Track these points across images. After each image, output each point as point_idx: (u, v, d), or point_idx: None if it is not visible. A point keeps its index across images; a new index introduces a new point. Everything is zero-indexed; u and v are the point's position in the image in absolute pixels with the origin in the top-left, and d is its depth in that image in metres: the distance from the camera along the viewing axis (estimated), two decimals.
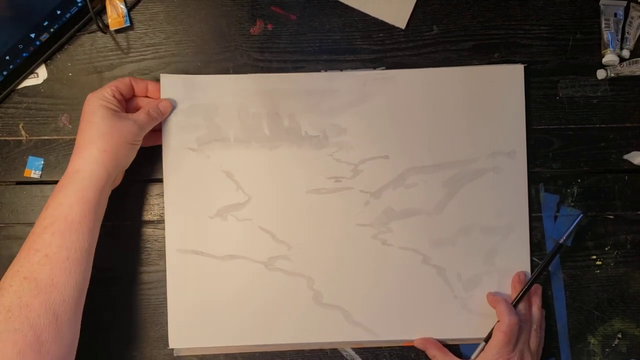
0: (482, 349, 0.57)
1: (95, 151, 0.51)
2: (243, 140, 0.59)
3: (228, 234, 0.59)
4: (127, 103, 0.57)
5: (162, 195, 0.59)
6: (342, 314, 0.59)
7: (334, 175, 0.60)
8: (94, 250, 0.52)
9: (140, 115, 0.55)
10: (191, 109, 0.59)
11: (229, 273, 0.59)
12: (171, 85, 0.59)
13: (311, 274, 0.59)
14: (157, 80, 0.59)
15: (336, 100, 0.60)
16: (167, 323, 0.58)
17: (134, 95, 0.58)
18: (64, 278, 0.48)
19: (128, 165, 0.56)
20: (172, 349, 0.59)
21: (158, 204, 0.60)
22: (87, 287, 0.51)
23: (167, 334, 0.58)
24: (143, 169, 0.60)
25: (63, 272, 0.48)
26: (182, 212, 0.59)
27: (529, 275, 0.59)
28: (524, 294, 0.57)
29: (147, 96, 0.58)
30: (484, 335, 0.58)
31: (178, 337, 0.58)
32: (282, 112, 0.60)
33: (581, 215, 0.58)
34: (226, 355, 0.60)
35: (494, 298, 0.58)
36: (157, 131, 0.59)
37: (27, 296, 0.46)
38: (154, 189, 0.60)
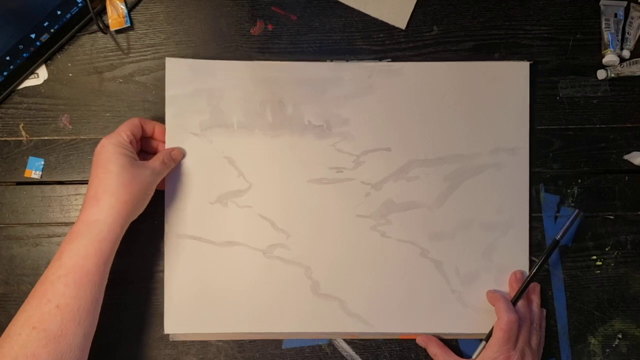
0: (483, 348, 0.56)
1: (115, 202, 0.51)
2: (246, 126, 0.59)
3: (228, 220, 0.59)
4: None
5: (162, 195, 0.59)
6: (339, 304, 0.59)
7: (336, 165, 0.60)
8: (103, 296, 0.52)
9: (156, 164, 0.54)
10: (195, 93, 0.59)
11: (228, 260, 0.59)
12: (176, 68, 0.59)
13: (309, 263, 0.59)
14: (161, 73, 0.59)
15: (340, 91, 0.60)
16: None
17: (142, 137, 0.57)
18: (73, 329, 0.48)
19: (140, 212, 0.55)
20: (169, 335, 0.59)
21: (158, 204, 0.60)
22: (93, 332, 0.51)
23: (167, 334, 0.58)
24: None
25: (73, 323, 0.48)
26: (183, 197, 0.59)
27: (527, 273, 0.59)
28: (523, 291, 0.57)
29: (152, 137, 0.58)
30: (481, 330, 0.58)
31: (174, 323, 0.58)
32: (286, 101, 0.60)
33: (576, 211, 0.58)
34: (224, 354, 0.60)
35: (493, 296, 0.58)
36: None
37: (35, 346, 0.47)
38: (156, 191, 0.60)
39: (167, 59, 0.59)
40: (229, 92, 0.59)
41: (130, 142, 0.54)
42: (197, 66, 0.59)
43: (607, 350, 0.61)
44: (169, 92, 0.59)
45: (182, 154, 0.58)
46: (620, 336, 0.61)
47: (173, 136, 0.59)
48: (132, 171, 0.52)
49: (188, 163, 0.59)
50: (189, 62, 0.59)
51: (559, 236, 0.58)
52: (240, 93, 0.59)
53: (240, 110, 0.59)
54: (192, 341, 0.59)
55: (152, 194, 0.55)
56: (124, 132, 0.54)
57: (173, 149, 0.58)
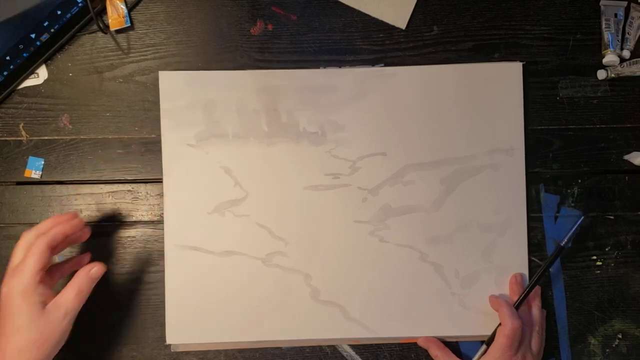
0: (484, 352, 0.56)
1: None
2: (241, 136, 0.59)
3: (226, 229, 0.59)
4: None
5: (162, 195, 0.59)
6: (340, 310, 0.59)
7: (332, 171, 0.60)
8: None
9: (69, 298, 0.49)
10: (190, 105, 0.59)
11: (227, 269, 0.59)
12: (170, 81, 0.59)
13: (309, 270, 0.59)
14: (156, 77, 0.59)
15: (335, 97, 0.60)
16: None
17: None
18: None
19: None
20: (171, 346, 0.59)
21: (158, 204, 0.60)
22: None
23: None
24: (143, 169, 0.60)
25: None
26: (181, 208, 0.59)
27: (526, 275, 0.59)
28: (525, 297, 0.57)
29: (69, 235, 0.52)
30: (482, 332, 0.58)
31: (175, 333, 0.58)
32: (281, 108, 0.60)
33: (582, 217, 0.58)
34: (225, 354, 0.60)
35: (496, 301, 0.58)
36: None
37: None
38: (154, 189, 0.60)
39: (160, 72, 0.59)
40: (223, 102, 0.59)
41: (40, 281, 0.49)
42: (190, 78, 0.59)
43: (607, 350, 0.61)
44: (163, 105, 0.59)
45: (105, 268, 0.52)
46: (620, 336, 0.61)
47: (169, 149, 0.59)
48: (42, 321, 0.48)
49: (185, 174, 0.59)
50: (182, 75, 0.59)
51: (563, 242, 0.58)
52: (234, 103, 0.59)
53: (235, 119, 0.59)
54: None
55: (68, 334, 0.50)
56: (31, 270, 0.48)
57: (93, 265, 0.52)
